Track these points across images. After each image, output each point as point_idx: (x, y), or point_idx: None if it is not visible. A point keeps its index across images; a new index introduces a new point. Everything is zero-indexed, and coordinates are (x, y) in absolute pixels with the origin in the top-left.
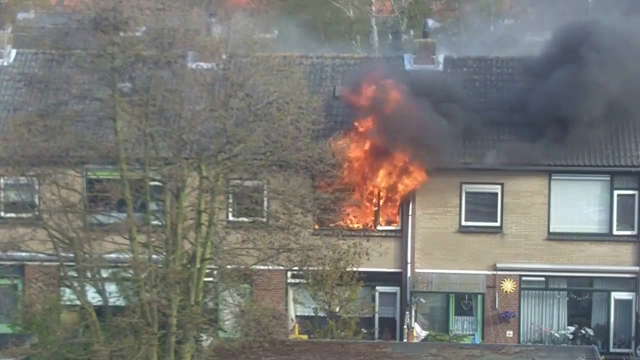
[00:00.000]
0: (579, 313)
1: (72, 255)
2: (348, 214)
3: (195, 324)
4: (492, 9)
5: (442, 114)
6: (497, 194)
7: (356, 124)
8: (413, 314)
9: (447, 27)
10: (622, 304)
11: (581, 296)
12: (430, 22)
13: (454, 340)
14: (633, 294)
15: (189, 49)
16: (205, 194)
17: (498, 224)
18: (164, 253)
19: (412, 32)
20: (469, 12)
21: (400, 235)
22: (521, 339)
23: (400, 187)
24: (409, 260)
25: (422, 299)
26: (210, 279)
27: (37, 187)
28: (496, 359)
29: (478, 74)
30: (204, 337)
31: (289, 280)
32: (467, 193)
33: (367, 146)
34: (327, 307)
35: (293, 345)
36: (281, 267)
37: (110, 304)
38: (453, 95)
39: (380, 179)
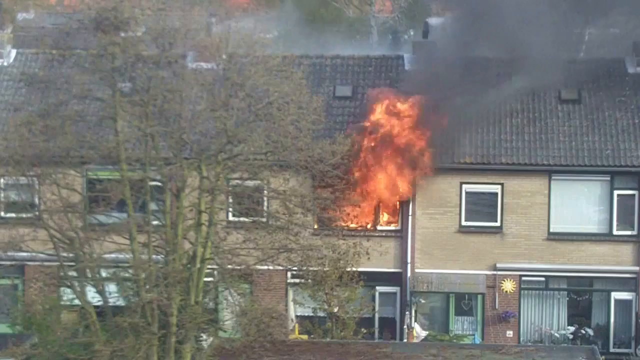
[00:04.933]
0: (579, 313)
1: (72, 255)
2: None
3: (196, 324)
4: None
5: None
6: (497, 194)
7: None
8: (413, 314)
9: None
10: (622, 304)
11: (581, 296)
12: (433, 20)
13: (454, 340)
14: (633, 294)
15: (190, 49)
16: (206, 194)
17: (498, 224)
18: (164, 253)
19: (412, 32)
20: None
21: (400, 235)
22: (521, 339)
23: None
24: (409, 260)
25: (422, 299)
26: (211, 279)
27: (37, 187)
28: (496, 359)
29: None
30: (205, 337)
31: (289, 280)
32: (467, 193)
33: None
34: (326, 307)
35: (293, 345)
36: (281, 267)
37: (110, 304)
38: None
39: None
